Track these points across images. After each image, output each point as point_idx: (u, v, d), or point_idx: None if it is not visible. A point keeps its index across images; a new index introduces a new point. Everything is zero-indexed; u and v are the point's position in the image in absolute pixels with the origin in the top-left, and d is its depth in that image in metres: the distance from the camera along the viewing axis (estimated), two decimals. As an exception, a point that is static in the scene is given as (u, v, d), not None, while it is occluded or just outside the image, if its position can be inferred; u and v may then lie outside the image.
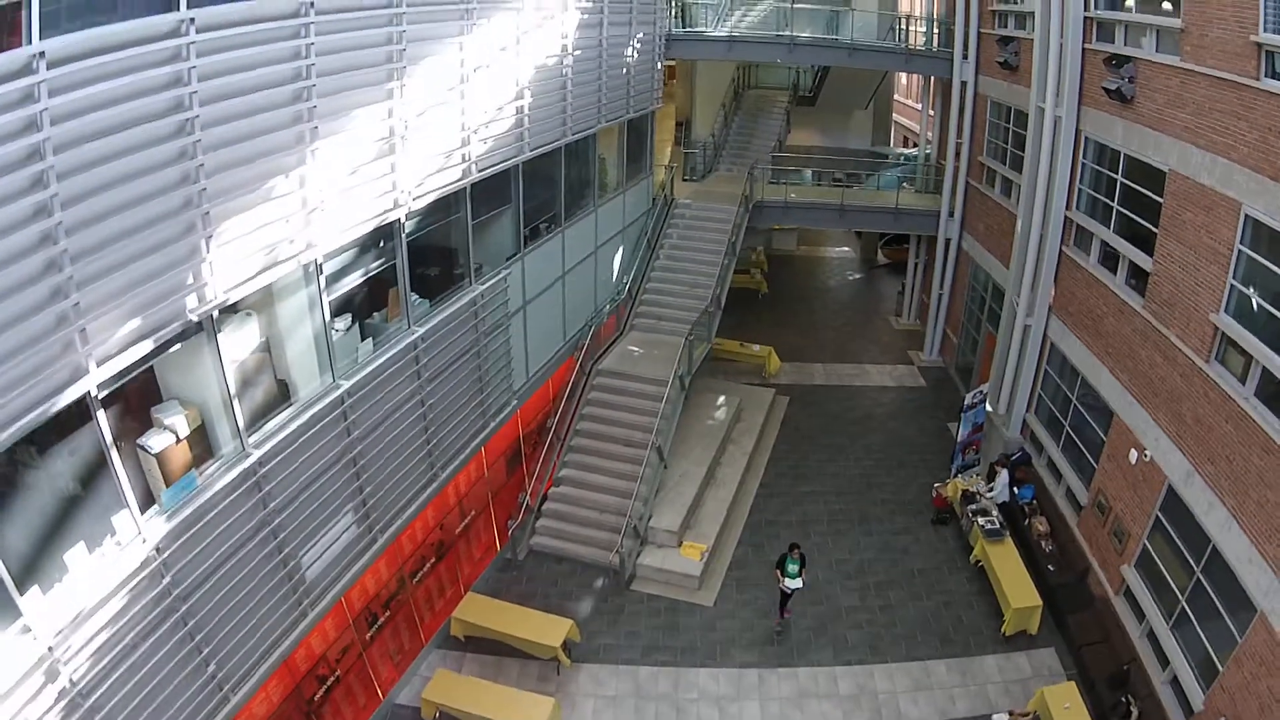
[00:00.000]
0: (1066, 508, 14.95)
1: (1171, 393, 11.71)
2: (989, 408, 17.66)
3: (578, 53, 14.46)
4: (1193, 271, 11.24)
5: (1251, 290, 10.20)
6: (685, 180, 23.24)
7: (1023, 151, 16.50)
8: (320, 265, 9.10)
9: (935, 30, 21.75)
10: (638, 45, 17.14)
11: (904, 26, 22.50)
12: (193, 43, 6.85)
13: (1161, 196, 12.11)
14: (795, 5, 21.46)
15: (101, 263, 6.42)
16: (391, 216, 10.16)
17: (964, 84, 20.44)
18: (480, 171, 11.99)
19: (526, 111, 13.01)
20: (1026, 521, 14.90)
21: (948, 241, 21.89)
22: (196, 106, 6.98)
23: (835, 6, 22.38)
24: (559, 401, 16.21)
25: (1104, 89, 13.29)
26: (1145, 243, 12.74)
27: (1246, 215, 10.14)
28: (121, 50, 6.30)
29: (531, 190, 14.04)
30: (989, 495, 15.55)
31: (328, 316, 9.44)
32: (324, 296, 9.32)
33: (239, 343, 8.45)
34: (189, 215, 7.16)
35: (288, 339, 9.17)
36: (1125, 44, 13.27)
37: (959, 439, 17.30)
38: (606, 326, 18.15)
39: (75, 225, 6.13)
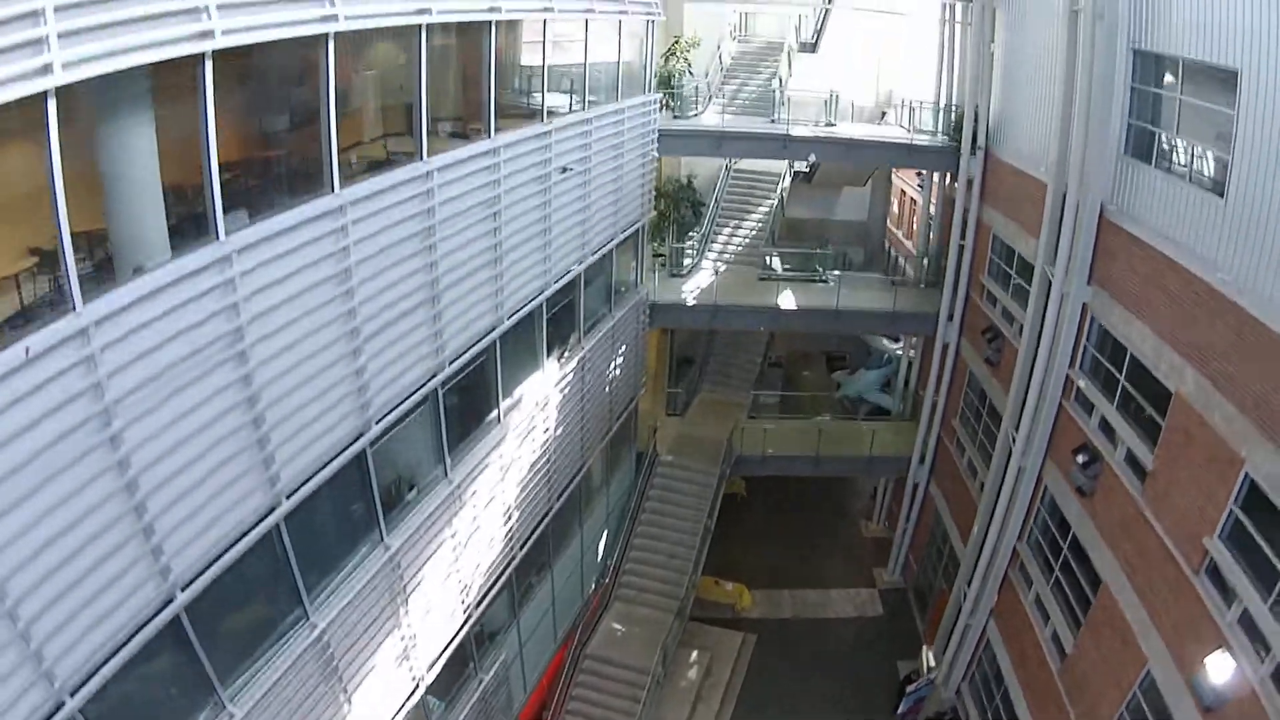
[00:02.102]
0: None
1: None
2: (932, 661, 20.20)
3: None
4: None
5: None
6: (669, 415, 24.93)
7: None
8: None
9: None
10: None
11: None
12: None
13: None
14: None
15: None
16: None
17: (945, 346, 21.82)
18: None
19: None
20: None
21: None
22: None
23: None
24: (553, 690, 18.66)
25: (1071, 471, 14.73)
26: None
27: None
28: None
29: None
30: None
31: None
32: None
33: None
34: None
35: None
36: (1097, 437, 14.41)
37: (899, 710, 19.86)
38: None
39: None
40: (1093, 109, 13.98)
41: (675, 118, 21.91)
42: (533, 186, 13.31)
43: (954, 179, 21.65)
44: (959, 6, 21.16)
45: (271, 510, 8.91)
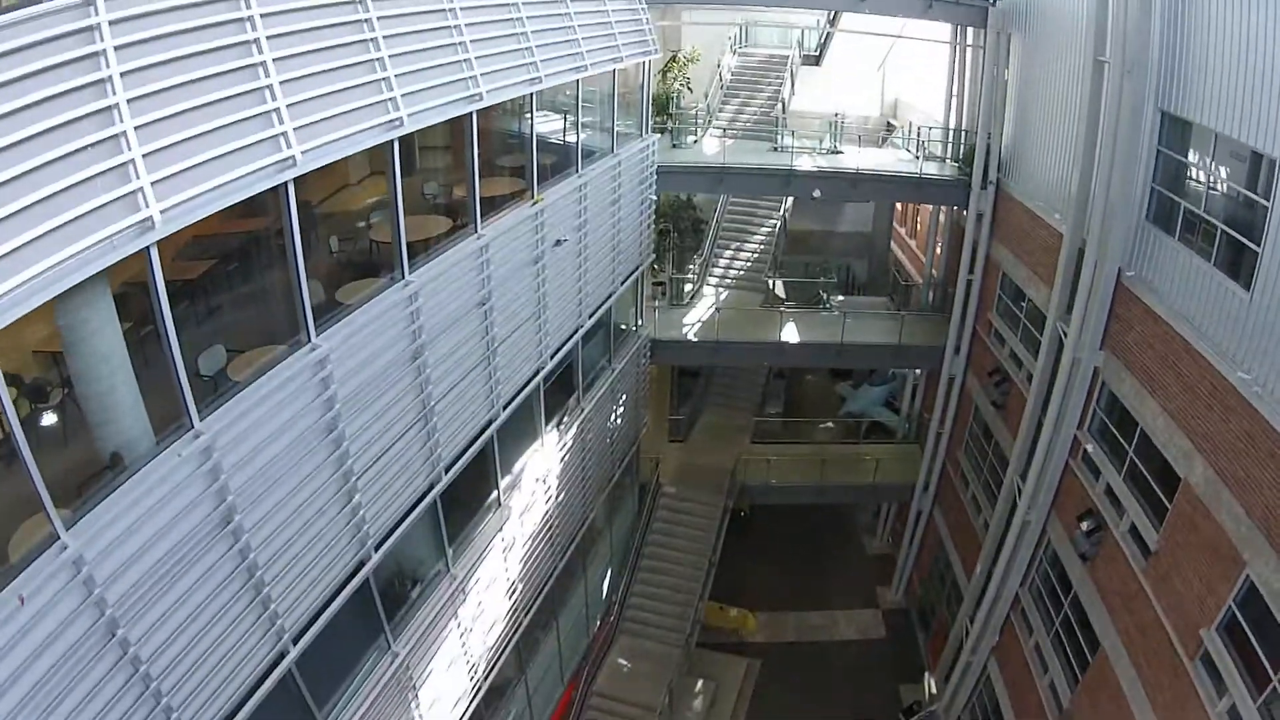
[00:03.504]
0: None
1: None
2: (934, 689, 20.36)
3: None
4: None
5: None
6: (671, 441, 24.77)
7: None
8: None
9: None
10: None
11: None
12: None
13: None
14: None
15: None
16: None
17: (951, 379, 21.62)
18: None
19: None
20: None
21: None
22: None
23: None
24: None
25: (1075, 534, 14.61)
26: None
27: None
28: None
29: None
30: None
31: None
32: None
33: None
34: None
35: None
36: (1102, 503, 14.26)
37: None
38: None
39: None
40: (1115, 168, 13.38)
41: (674, 146, 21.33)
42: (525, 269, 12.89)
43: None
44: (971, 30, 20.44)
45: (280, 659, 8.90)
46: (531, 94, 12.16)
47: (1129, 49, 12.74)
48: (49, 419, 7.07)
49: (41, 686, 6.16)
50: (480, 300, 11.63)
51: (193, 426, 7.31)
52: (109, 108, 6.22)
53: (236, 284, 9.29)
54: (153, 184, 6.42)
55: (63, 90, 5.95)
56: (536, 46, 11.99)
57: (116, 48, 6.29)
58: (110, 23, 6.26)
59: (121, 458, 6.97)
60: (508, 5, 11.58)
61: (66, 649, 6.34)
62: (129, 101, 6.33)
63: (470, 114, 10.61)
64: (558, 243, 13.64)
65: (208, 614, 7.75)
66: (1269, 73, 10.34)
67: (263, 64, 7.51)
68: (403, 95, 9.12)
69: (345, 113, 8.41)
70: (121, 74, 6.31)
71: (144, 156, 6.38)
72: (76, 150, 5.99)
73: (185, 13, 6.92)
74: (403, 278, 9.95)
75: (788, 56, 26.09)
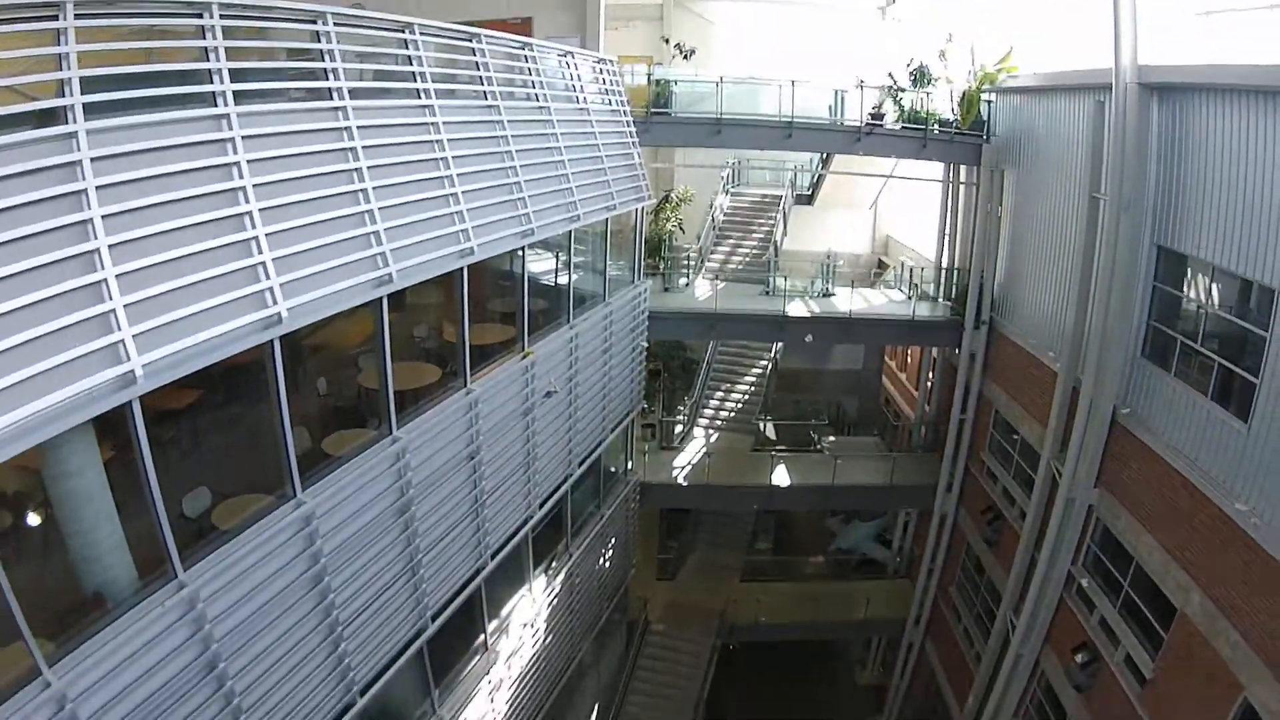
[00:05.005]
0: None
1: None
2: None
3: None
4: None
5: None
6: (659, 579, 24.47)
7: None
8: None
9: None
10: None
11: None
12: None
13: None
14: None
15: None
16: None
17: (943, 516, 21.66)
18: None
19: None
20: None
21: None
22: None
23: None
24: None
25: (1069, 666, 14.56)
26: None
27: None
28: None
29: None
30: None
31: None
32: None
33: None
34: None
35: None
36: (1097, 635, 14.31)
37: None
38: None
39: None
40: (1111, 305, 13.69)
41: (665, 289, 21.59)
42: (514, 420, 12.99)
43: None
44: (964, 168, 20.82)
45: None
46: (524, 246, 12.31)
47: (1126, 181, 13.23)
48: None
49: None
50: (469, 454, 11.75)
51: (176, 576, 7.35)
52: (90, 252, 6.29)
53: (221, 422, 9.17)
54: (134, 336, 6.48)
55: (43, 229, 6.03)
56: (530, 197, 12.14)
57: (98, 188, 6.41)
58: (93, 160, 6.41)
59: (104, 598, 7.03)
60: (501, 154, 11.83)
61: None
62: (110, 247, 6.41)
63: (461, 268, 10.72)
64: (547, 394, 13.84)
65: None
66: (1267, 202, 10.80)
67: (249, 214, 7.61)
68: (392, 250, 9.20)
69: (334, 268, 8.48)
70: (103, 216, 6.40)
71: (126, 306, 6.45)
72: (55, 295, 6.04)
73: (169, 154, 7.05)
74: (390, 433, 10.03)
75: (780, 196, 26.66)
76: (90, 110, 6.51)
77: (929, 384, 24.17)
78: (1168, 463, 12.72)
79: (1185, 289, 12.97)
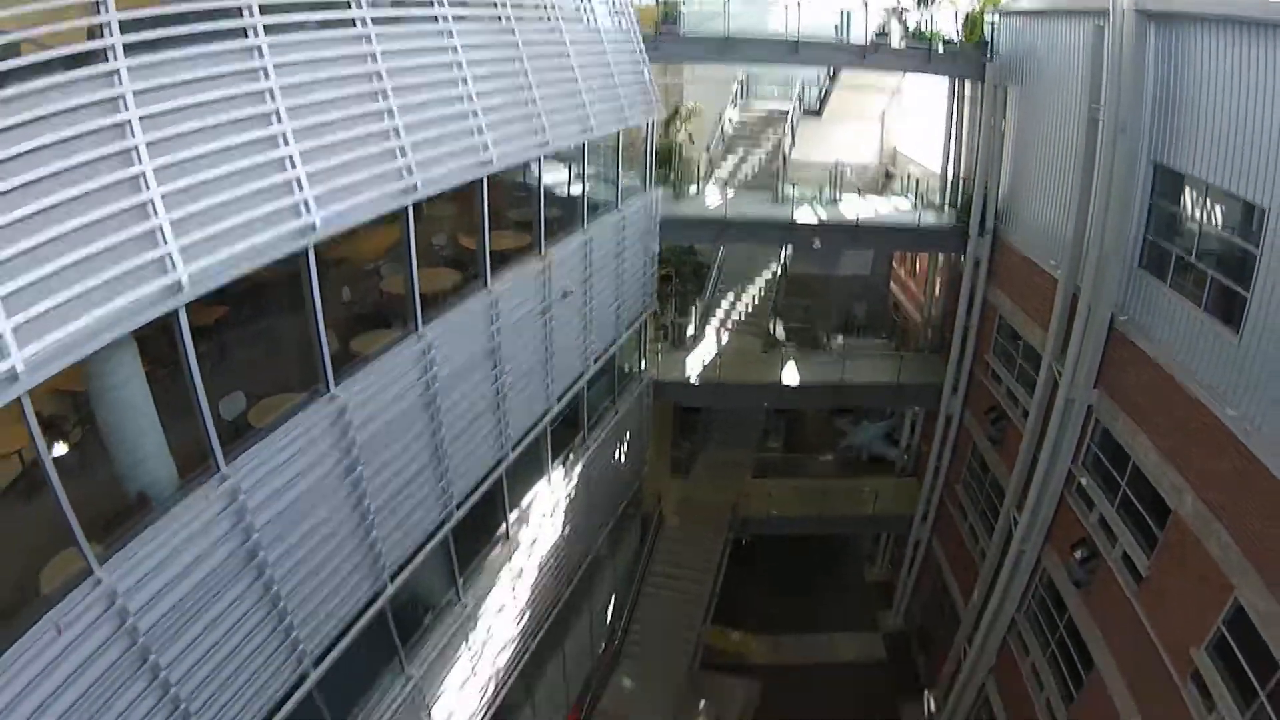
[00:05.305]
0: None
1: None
2: (934, 707, 20.98)
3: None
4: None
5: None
6: (673, 475, 25.50)
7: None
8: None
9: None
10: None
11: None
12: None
13: None
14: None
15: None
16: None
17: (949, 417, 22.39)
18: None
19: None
20: None
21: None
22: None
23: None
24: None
25: (1069, 562, 15.35)
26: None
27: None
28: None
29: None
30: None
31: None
32: None
33: None
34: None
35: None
36: (1096, 534, 14.91)
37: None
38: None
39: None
40: (1109, 219, 14.07)
41: (676, 197, 21.97)
42: (532, 320, 13.68)
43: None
44: (969, 84, 21.06)
45: (302, 681, 9.69)
46: (539, 157, 12.83)
47: (1123, 104, 13.51)
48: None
49: (76, 709, 6.75)
50: (490, 350, 12.48)
51: (219, 469, 8.02)
52: (136, 176, 6.72)
53: (253, 330, 9.81)
54: (180, 249, 6.92)
55: (92, 159, 6.44)
56: (545, 111, 12.60)
57: (141, 118, 6.82)
58: (135, 94, 6.81)
59: (148, 498, 7.67)
60: (517, 73, 12.29)
61: (101, 673, 6.95)
62: (155, 171, 6.83)
63: (481, 178, 11.25)
64: (564, 295, 14.49)
65: (233, 641, 8.51)
66: (1259, 126, 11.14)
67: (282, 134, 8.02)
68: (416, 162, 9.63)
69: (363, 180, 8.92)
70: (147, 144, 6.83)
71: (171, 223, 6.88)
72: (106, 216, 6.46)
73: (205, 84, 7.44)
74: (416, 330, 10.72)
75: (788, 110, 26.85)
76: (130, 50, 6.96)
77: (935, 289, 24.60)
78: (1163, 368, 13.25)
79: (1181, 205, 13.35)
